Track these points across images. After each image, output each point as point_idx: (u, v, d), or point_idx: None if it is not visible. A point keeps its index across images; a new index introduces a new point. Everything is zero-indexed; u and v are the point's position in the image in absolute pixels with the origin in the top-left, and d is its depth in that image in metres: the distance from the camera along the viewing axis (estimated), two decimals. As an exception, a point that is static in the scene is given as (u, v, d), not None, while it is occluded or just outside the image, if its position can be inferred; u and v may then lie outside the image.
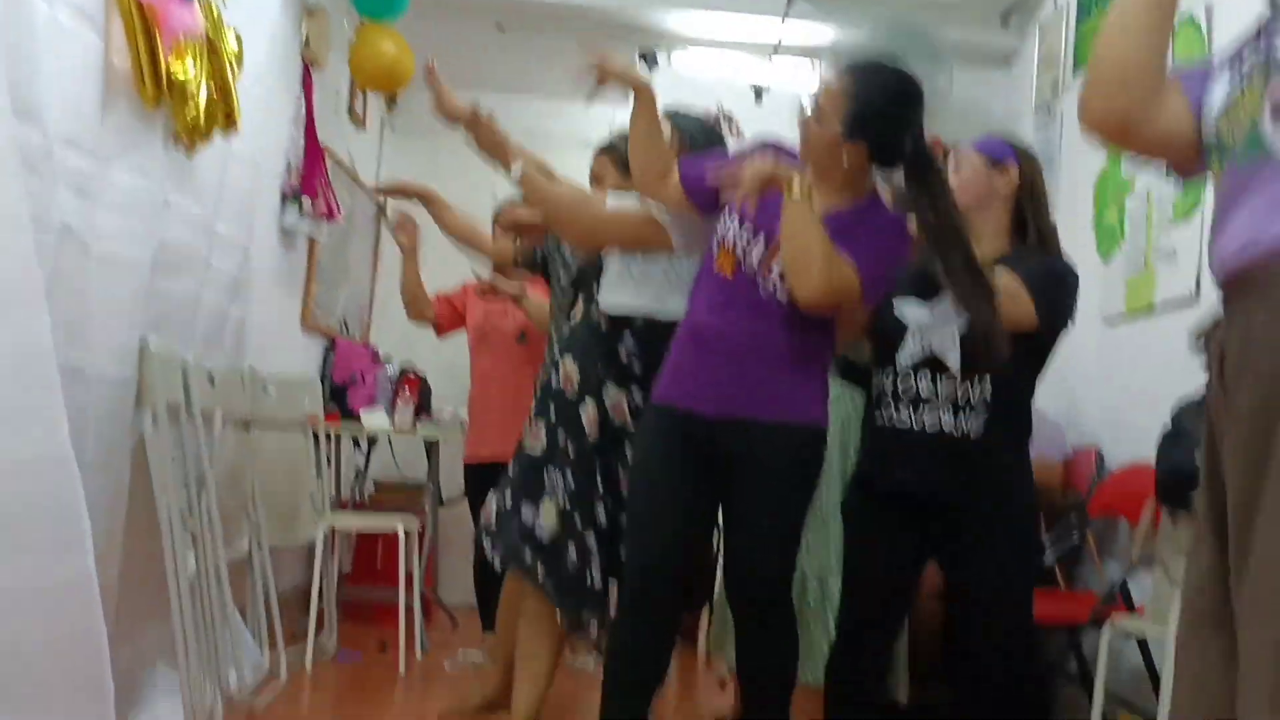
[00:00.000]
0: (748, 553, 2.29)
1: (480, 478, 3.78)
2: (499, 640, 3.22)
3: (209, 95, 2.57)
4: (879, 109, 2.17)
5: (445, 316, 4.01)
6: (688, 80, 4.65)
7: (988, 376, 2.32)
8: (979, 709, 2.40)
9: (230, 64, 2.69)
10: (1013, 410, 2.37)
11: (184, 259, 2.86)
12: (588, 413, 2.60)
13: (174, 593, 2.61)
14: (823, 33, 4.36)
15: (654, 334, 2.53)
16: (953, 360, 2.33)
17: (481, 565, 3.84)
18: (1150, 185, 3.22)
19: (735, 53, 4.72)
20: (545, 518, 2.68)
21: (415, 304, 3.94)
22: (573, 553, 2.62)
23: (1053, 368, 3.85)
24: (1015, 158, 2.48)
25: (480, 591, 3.88)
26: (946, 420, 2.32)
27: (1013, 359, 2.37)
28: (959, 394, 2.32)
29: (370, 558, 4.67)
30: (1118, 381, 3.36)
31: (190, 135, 2.59)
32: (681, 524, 2.27)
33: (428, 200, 3.28)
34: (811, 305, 2.15)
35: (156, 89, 2.35)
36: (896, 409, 2.37)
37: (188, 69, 2.42)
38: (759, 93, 4.70)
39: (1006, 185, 2.44)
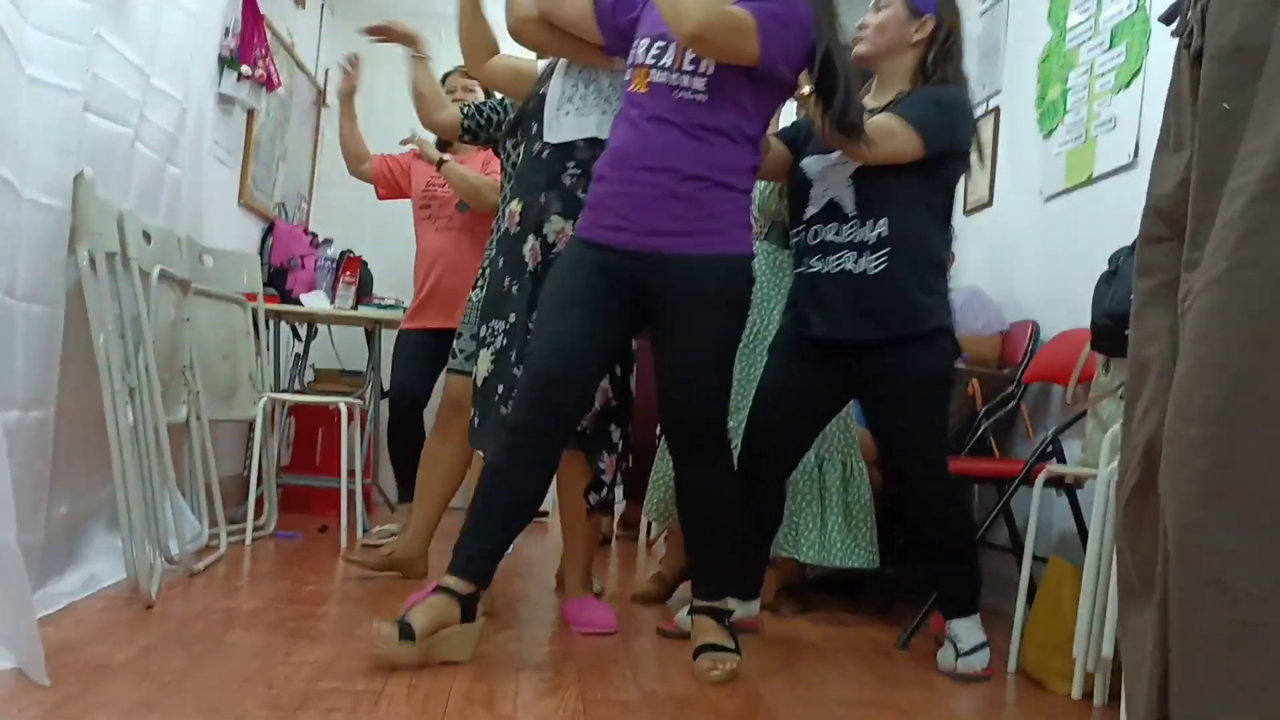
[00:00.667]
0: (679, 388, 2.27)
1: (410, 342, 3.78)
2: (416, 506, 3.17)
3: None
4: None
5: (384, 178, 3.99)
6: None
7: (884, 216, 2.39)
8: (924, 528, 2.51)
9: (166, -108, 2.58)
10: (914, 246, 2.43)
11: (117, 103, 2.77)
12: (529, 246, 2.60)
13: (114, 443, 2.56)
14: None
15: (597, 155, 2.49)
16: (848, 202, 2.41)
17: (395, 433, 3.85)
18: (1093, 58, 3.26)
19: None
20: (482, 366, 2.70)
21: (353, 157, 3.95)
22: (500, 390, 2.62)
23: (991, 246, 3.94)
24: (935, 9, 2.51)
25: (396, 460, 3.87)
26: (849, 261, 2.41)
27: (906, 192, 2.43)
28: (857, 235, 2.41)
29: (309, 449, 4.63)
30: (1055, 254, 3.42)
31: (124, -39, 2.49)
32: (583, 346, 2.22)
33: (414, 44, 3.23)
34: (698, 38, 2.10)
35: (88, -101, 2.25)
36: (811, 259, 2.47)
37: (122, -118, 2.32)
38: None
39: (921, 34, 2.50)
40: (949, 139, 2.42)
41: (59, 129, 2.40)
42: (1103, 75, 3.19)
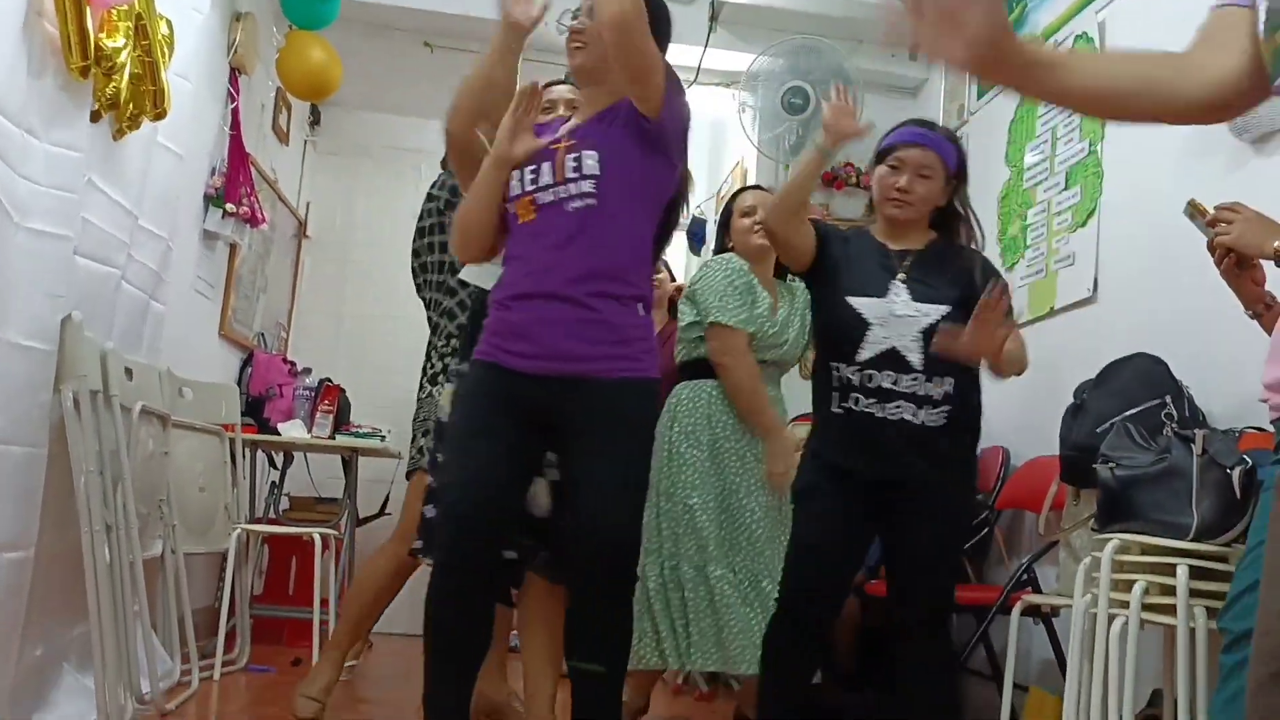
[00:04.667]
0: (600, 512, 2.17)
1: None
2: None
3: (136, 74, 2.58)
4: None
5: None
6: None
7: (950, 376, 2.35)
8: (915, 658, 2.45)
9: (161, 49, 2.70)
10: (969, 408, 2.43)
11: (106, 245, 2.84)
12: None
13: (90, 582, 2.55)
14: (742, 60, 4.52)
15: None
16: (914, 356, 2.37)
17: None
18: (1050, 197, 3.42)
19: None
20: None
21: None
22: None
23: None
24: (958, 162, 2.47)
25: None
26: (908, 411, 2.35)
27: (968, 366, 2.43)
28: (920, 389, 2.36)
29: (282, 579, 4.58)
30: (1021, 383, 3.49)
31: (116, 112, 2.59)
32: (495, 479, 2.17)
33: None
34: (617, 24, 2.07)
35: (84, 59, 2.35)
36: (861, 400, 2.39)
37: (117, 42, 2.43)
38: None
39: (949, 192, 2.46)
40: None
41: (49, 274, 2.46)
42: (1060, 214, 3.34)
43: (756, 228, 2.99)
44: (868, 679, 3.30)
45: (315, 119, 5.45)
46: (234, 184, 3.93)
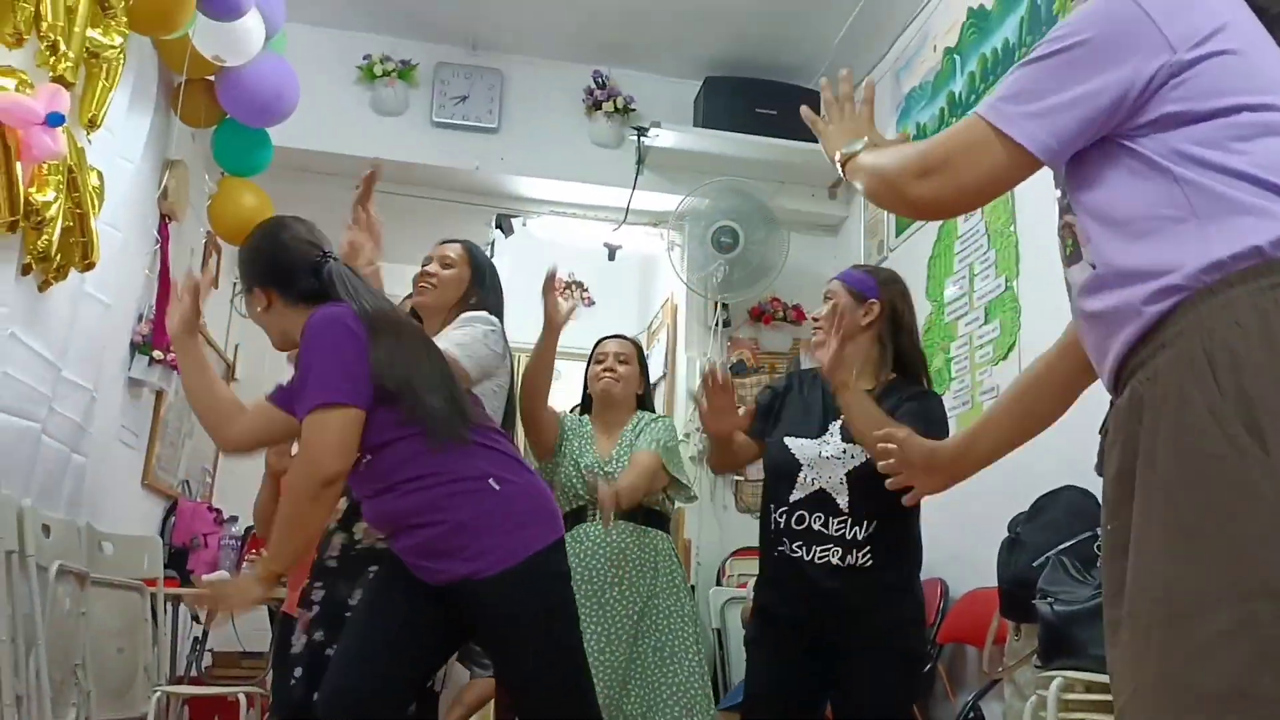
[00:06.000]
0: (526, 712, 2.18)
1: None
2: None
3: (67, 227, 2.56)
4: (253, 256, 2.26)
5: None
6: (543, 242, 4.86)
7: (875, 520, 2.36)
8: None
9: (91, 200, 2.69)
10: (899, 544, 2.42)
11: (26, 398, 2.77)
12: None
13: (-6, 761, 2.40)
14: (669, 200, 4.65)
15: None
16: (841, 499, 2.39)
17: None
18: (971, 330, 3.52)
19: (587, 221, 4.97)
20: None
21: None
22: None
23: (896, 506, 4.04)
24: (878, 291, 2.56)
25: None
26: (834, 555, 2.37)
27: (898, 496, 2.45)
28: (848, 533, 2.37)
29: (204, 741, 4.34)
30: (956, 514, 3.54)
31: (43, 266, 2.56)
32: (390, 660, 2.12)
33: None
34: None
35: (12, 214, 2.33)
36: (790, 543, 2.41)
37: (48, 196, 2.42)
38: (612, 252, 4.94)
39: (869, 317, 2.52)
40: None
41: (-35, 433, 2.38)
42: (981, 347, 3.44)
43: (604, 374, 3.05)
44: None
45: (245, 263, 5.42)
46: (161, 330, 3.87)
